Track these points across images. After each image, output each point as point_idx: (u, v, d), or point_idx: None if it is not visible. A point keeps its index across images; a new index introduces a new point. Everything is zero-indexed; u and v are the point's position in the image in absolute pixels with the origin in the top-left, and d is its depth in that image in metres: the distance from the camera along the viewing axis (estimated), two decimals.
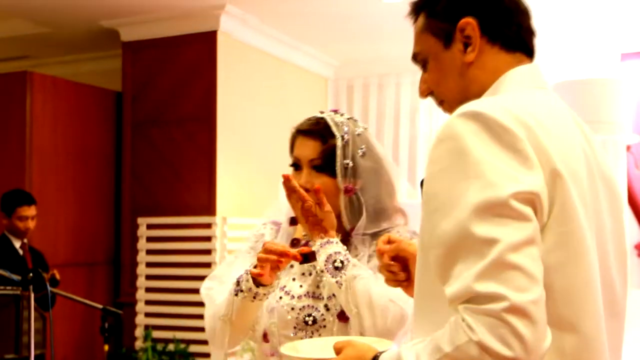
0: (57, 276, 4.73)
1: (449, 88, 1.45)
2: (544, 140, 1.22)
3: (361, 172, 2.02)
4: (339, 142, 2.01)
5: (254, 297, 1.92)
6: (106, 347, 4.29)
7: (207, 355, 5.48)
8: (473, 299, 1.13)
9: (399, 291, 1.77)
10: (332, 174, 2.00)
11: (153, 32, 5.83)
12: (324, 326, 1.96)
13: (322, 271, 1.95)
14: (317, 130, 2.03)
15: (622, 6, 5.46)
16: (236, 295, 1.93)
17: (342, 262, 1.92)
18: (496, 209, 1.16)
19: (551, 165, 1.21)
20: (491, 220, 1.15)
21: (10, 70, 5.97)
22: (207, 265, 5.51)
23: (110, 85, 6.16)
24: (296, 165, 2.05)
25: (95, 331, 4.97)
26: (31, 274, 3.14)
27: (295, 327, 1.97)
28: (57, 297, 4.43)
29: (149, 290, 5.69)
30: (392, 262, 1.67)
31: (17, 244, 4.92)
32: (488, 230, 1.15)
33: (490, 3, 1.42)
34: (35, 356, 3.76)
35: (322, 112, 2.09)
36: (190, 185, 5.67)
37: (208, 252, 5.53)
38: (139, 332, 5.66)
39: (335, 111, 2.12)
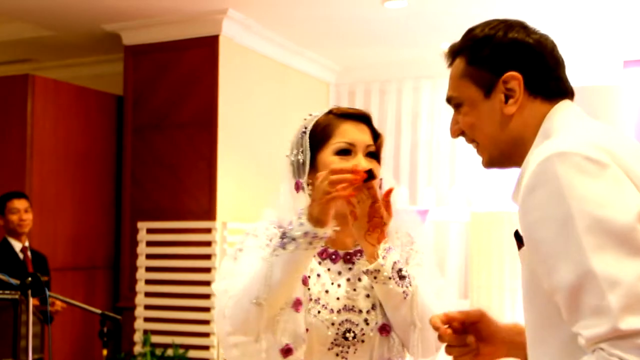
0: (57, 307, 4.60)
1: (485, 134, 1.48)
2: (628, 162, 1.26)
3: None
4: (382, 139, 1.99)
5: (311, 243, 1.74)
6: (105, 352, 4.28)
7: (206, 347, 5.46)
8: (618, 336, 1.14)
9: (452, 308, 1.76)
10: (379, 162, 1.94)
11: (155, 36, 5.83)
12: (363, 341, 1.87)
13: (374, 277, 1.83)
14: (368, 118, 1.97)
15: (625, 14, 5.45)
16: (283, 248, 1.75)
17: (405, 270, 1.85)
18: (614, 240, 1.18)
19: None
20: (611, 254, 1.18)
21: (12, 73, 5.98)
22: (207, 270, 5.49)
23: (112, 89, 6.16)
24: (347, 151, 1.91)
25: (94, 335, 4.97)
26: (30, 278, 3.13)
27: (332, 343, 1.87)
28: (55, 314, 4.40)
29: (148, 294, 5.68)
30: (467, 336, 1.62)
31: (17, 248, 4.90)
32: (612, 265, 1.17)
33: (535, 58, 1.46)
34: None
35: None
36: (190, 190, 5.66)
37: (208, 257, 5.52)
38: (137, 336, 5.64)
39: None
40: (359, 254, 1.96)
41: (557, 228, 1.22)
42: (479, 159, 1.54)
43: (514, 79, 1.43)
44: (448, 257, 6.35)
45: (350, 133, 1.93)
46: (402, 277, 1.83)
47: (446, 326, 1.60)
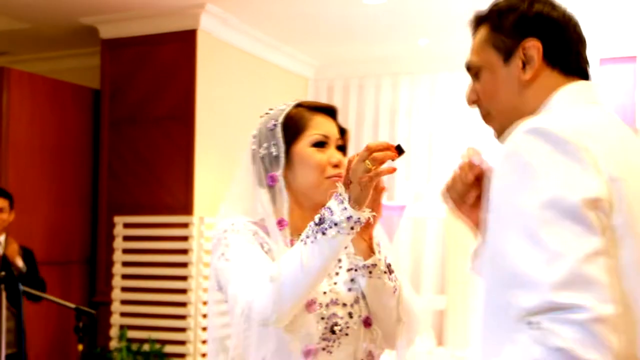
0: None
1: (501, 101, 1.51)
2: (604, 151, 1.28)
3: None
4: (347, 132, 2.02)
5: (352, 228, 1.69)
6: (80, 347, 4.26)
7: (182, 355, 5.45)
8: (553, 309, 1.17)
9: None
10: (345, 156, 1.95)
11: (132, 29, 5.80)
12: (347, 334, 1.86)
13: (370, 272, 1.83)
14: (335, 112, 2.01)
15: (601, 12, 5.49)
16: (323, 233, 1.69)
17: (391, 265, 1.88)
18: (566, 218, 1.21)
19: (613, 173, 1.27)
20: (562, 230, 1.20)
21: None
22: (184, 265, 5.48)
23: (89, 82, 6.12)
24: (322, 143, 1.92)
25: (70, 330, 4.94)
26: (3, 273, 3.11)
27: (320, 337, 1.84)
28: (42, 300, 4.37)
29: (124, 289, 5.65)
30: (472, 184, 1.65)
31: None
32: (560, 240, 1.20)
33: (557, 29, 1.49)
34: (7, 355, 3.72)
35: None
36: (167, 185, 5.64)
37: (185, 251, 5.50)
38: (113, 331, 5.62)
39: None
40: None
41: (517, 198, 1.25)
42: (490, 130, 1.57)
43: (533, 46, 1.46)
44: (425, 253, 6.38)
45: (323, 125, 1.95)
46: (391, 272, 1.85)
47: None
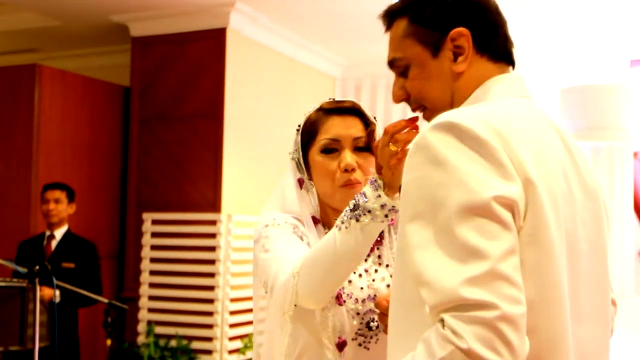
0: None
1: (435, 96, 1.43)
2: (518, 150, 1.22)
3: None
4: (377, 128, 1.91)
5: (387, 215, 1.68)
6: (108, 342, 4.31)
7: (209, 352, 5.49)
8: (460, 306, 1.11)
9: None
10: (372, 153, 1.86)
11: (162, 27, 5.84)
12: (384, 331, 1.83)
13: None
14: (358, 110, 1.92)
15: (632, 13, 5.45)
16: (357, 220, 1.68)
17: None
18: (479, 214, 1.15)
19: (525, 174, 1.21)
20: (474, 227, 1.15)
21: (19, 63, 5.98)
22: (211, 262, 5.51)
23: (119, 80, 6.17)
24: (332, 149, 1.88)
25: (98, 325, 5.00)
26: (37, 267, 3.15)
27: (356, 333, 1.84)
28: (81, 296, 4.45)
29: (152, 285, 5.70)
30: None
31: (47, 234, 5.02)
32: (472, 237, 1.14)
33: (480, 14, 1.41)
34: (40, 349, 3.77)
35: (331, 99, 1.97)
36: (196, 182, 5.68)
37: (212, 249, 5.53)
38: (141, 327, 5.66)
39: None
40: (377, 245, 1.93)
41: (428, 192, 1.20)
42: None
43: (461, 35, 1.39)
44: None
45: (334, 128, 1.89)
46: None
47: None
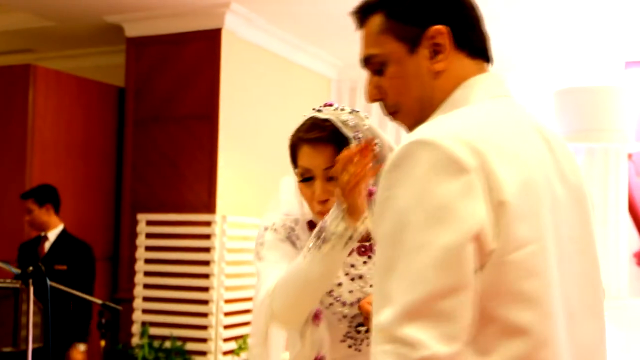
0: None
1: (412, 96, 1.39)
2: (495, 166, 1.19)
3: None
4: (354, 145, 1.77)
5: (346, 243, 1.69)
6: (102, 343, 4.29)
7: (204, 353, 5.47)
8: (396, 340, 1.12)
9: None
10: None
11: (157, 28, 5.83)
12: None
13: None
14: (326, 136, 1.83)
15: (627, 14, 5.46)
16: (319, 248, 1.70)
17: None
18: (438, 245, 1.14)
19: (499, 195, 1.18)
20: (424, 260, 1.13)
21: (13, 63, 5.97)
22: (206, 263, 5.50)
23: (113, 80, 6.16)
24: (307, 178, 1.85)
25: (92, 327, 4.98)
26: (31, 268, 3.13)
27: (345, 335, 1.85)
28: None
29: (146, 286, 5.68)
30: None
31: (42, 235, 5.04)
32: (422, 269, 1.13)
33: (458, 9, 1.38)
34: (33, 350, 3.75)
35: (318, 110, 1.89)
36: (190, 183, 5.67)
37: (207, 250, 5.52)
38: (135, 328, 5.65)
39: (331, 105, 1.92)
40: (373, 248, 1.92)
41: (395, 215, 1.18)
42: (403, 127, 1.46)
43: (440, 32, 1.35)
44: None
45: (305, 158, 1.85)
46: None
47: None
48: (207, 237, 5.52)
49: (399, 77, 1.39)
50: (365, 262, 1.91)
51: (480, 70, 1.40)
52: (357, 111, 1.92)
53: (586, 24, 5.69)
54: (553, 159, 1.33)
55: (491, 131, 1.25)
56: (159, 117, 5.82)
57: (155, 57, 5.87)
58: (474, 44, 1.39)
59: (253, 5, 5.56)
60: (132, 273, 5.73)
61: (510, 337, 1.18)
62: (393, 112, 1.43)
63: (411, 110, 1.40)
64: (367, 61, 1.43)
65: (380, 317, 1.15)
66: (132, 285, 5.72)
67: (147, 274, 5.69)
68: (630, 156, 6.07)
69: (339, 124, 1.84)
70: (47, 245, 4.98)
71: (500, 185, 1.18)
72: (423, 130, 1.23)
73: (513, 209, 1.18)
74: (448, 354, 1.11)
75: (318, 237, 1.70)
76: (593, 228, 1.40)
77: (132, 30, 5.92)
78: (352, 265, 1.90)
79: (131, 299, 5.69)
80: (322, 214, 1.82)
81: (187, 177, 5.68)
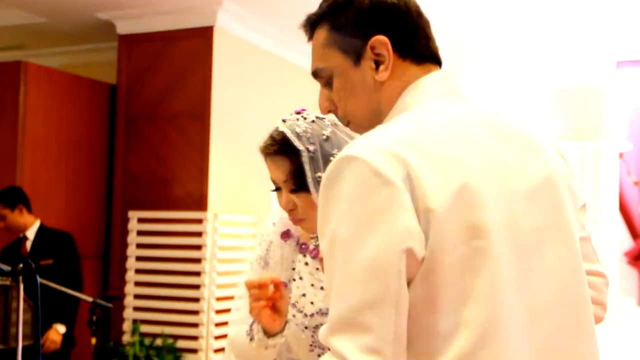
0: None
1: (360, 107, 1.40)
2: (421, 175, 1.20)
3: None
4: (304, 157, 1.82)
5: (266, 348, 1.82)
6: (93, 340, 4.27)
7: (195, 350, 5.47)
8: (330, 351, 1.17)
9: None
10: (309, 189, 1.82)
11: (149, 25, 5.82)
12: None
13: None
14: (280, 149, 1.86)
15: (618, 14, 5.48)
16: (251, 339, 1.84)
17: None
18: (359, 262, 1.17)
19: (425, 202, 1.18)
20: (352, 272, 1.17)
21: (4, 60, 5.94)
22: (197, 260, 5.49)
23: (105, 78, 6.14)
24: (276, 188, 1.90)
25: (83, 324, 4.96)
26: (21, 265, 3.12)
27: (311, 345, 1.89)
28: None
29: (138, 284, 5.67)
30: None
31: (21, 236, 5.02)
32: (346, 283, 1.17)
33: (398, 16, 1.38)
34: (24, 347, 3.74)
35: (283, 120, 1.91)
36: (182, 181, 5.66)
37: (198, 247, 5.52)
38: (126, 326, 5.64)
39: (301, 112, 1.92)
40: None
41: (329, 231, 1.21)
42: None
43: (381, 43, 1.35)
44: None
45: (269, 171, 1.91)
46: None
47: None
48: (198, 234, 5.52)
49: (345, 90, 1.40)
50: (307, 264, 1.96)
51: (427, 73, 1.39)
52: (323, 118, 1.88)
53: (578, 24, 5.70)
54: (508, 153, 1.32)
55: (422, 138, 1.25)
56: (151, 115, 5.81)
57: (147, 55, 5.85)
58: (418, 51, 1.39)
59: (245, 2, 5.56)
60: (123, 271, 5.72)
61: (449, 342, 1.19)
62: (346, 122, 1.45)
63: (361, 121, 1.41)
64: (316, 75, 1.46)
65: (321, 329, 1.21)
66: (123, 282, 5.71)
67: (139, 271, 5.68)
68: (621, 155, 6.08)
69: (291, 137, 1.85)
70: (28, 244, 4.97)
71: (426, 193, 1.19)
72: (352, 145, 1.25)
73: (442, 216, 1.19)
74: None
75: (252, 327, 1.83)
76: (571, 216, 1.37)
77: (124, 27, 5.90)
78: (318, 278, 1.92)
79: (122, 296, 5.68)
80: (295, 222, 1.90)
81: (179, 175, 5.67)
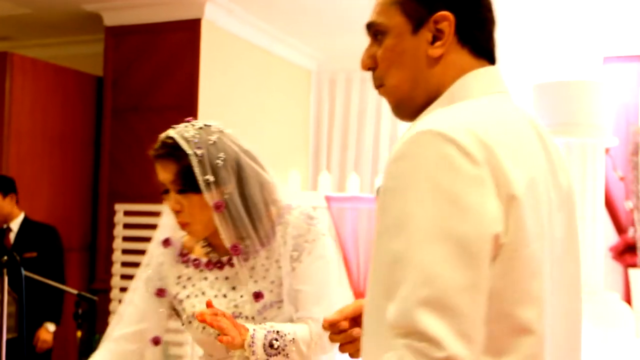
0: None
1: (400, 75, 1.37)
2: (503, 162, 1.18)
3: (225, 182, 1.93)
4: (193, 160, 1.93)
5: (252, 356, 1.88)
6: (79, 334, 4.26)
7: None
8: (413, 334, 1.09)
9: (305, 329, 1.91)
10: (198, 190, 1.93)
11: (137, 17, 5.78)
12: None
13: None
14: (168, 152, 1.97)
15: (605, 10, 5.49)
16: None
17: (276, 339, 1.90)
18: (449, 239, 1.11)
19: (508, 190, 1.17)
20: (442, 251, 1.11)
21: None
22: None
23: (91, 69, 6.11)
24: (165, 191, 2.00)
25: (69, 317, 4.95)
26: (5, 257, 3.11)
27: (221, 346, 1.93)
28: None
29: (124, 277, 5.65)
30: (353, 330, 1.60)
31: (5, 227, 5.00)
32: (437, 264, 1.10)
33: (472, 3, 1.37)
34: (8, 340, 3.72)
35: (174, 127, 2.03)
36: None
37: None
38: (112, 319, 5.61)
39: (189, 120, 2.07)
40: (223, 268, 2.03)
41: (405, 205, 1.15)
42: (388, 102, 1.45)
43: (445, 19, 1.33)
44: None
45: (158, 173, 2.01)
46: (272, 347, 1.87)
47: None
48: None
49: (393, 52, 1.37)
50: (206, 278, 2.04)
51: (480, 68, 1.38)
52: (210, 126, 2.05)
53: (565, 19, 5.71)
54: (548, 162, 1.32)
55: (495, 127, 1.23)
56: (138, 107, 5.78)
57: (134, 47, 5.82)
58: (479, 42, 1.37)
59: None
60: (110, 263, 5.70)
61: (521, 336, 1.17)
62: (379, 84, 1.42)
63: (394, 89, 1.38)
64: (370, 27, 1.42)
65: (392, 311, 1.13)
66: (109, 275, 5.69)
67: (125, 264, 5.65)
68: (607, 151, 6.10)
69: (181, 141, 1.97)
70: (12, 236, 4.95)
71: (508, 179, 1.17)
72: (431, 121, 1.21)
73: (522, 204, 1.17)
74: (467, 357, 1.09)
75: None
76: (577, 230, 1.39)
77: (111, 19, 5.86)
78: (227, 278, 2.02)
79: (108, 289, 5.66)
80: (181, 227, 2.02)
81: None
